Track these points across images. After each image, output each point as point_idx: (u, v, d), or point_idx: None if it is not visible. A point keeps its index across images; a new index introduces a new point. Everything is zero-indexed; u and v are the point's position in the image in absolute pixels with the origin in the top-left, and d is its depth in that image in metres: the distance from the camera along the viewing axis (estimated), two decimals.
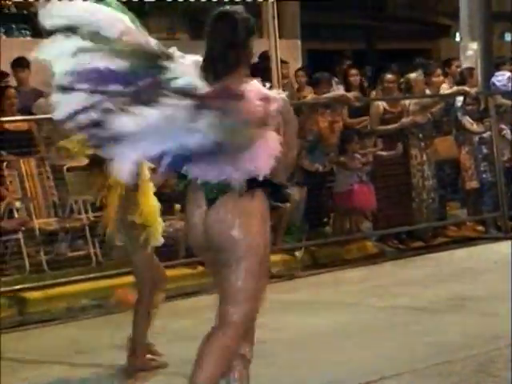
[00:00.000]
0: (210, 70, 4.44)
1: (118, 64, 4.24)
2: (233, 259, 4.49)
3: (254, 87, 4.47)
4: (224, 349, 4.50)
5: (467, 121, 12.22)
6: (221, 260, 4.54)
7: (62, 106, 4.28)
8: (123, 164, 4.25)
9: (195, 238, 4.65)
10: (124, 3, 15.07)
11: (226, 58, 4.53)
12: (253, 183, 4.48)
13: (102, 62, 4.24)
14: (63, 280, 9.24)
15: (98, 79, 4.23)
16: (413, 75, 12.01)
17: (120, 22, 4.43)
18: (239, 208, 4.50)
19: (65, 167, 10.49)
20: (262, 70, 12.00)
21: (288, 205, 9.72)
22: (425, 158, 11.64)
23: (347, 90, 12.37)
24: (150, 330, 6.54)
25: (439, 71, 12.70)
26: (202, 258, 5.03)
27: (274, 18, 11.10)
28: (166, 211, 7.75)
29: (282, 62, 12.00)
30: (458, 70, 13.88)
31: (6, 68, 11.69)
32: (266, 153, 4.45)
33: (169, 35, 16.75)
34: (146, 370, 6.41)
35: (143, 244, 6.34)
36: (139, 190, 6.30)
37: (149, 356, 6.47)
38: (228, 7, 4.72)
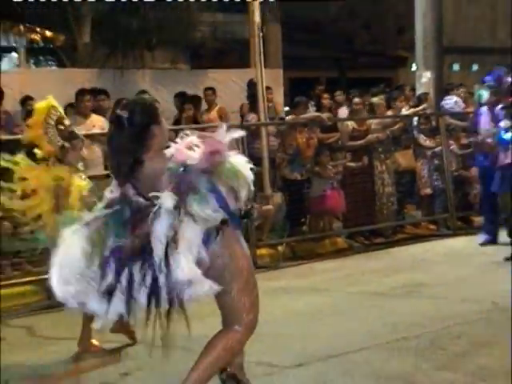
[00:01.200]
0: (118, 173, 4.34)
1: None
2: (224, 283, 4.33)
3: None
4: (228, 350, 4.43)
5: (421, 137, 12.30)
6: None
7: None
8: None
9: None
10: (133, 37, 14.83)
11: (123, 165, 4.27)
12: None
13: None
14: None
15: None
16: (375, 99, 12.10)
17: None
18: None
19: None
20: (250, 96, 12.11)
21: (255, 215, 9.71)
22: (384, 168, 11.70)
23: (319, 110, 12.48)
24: None
25: (402, 97, 12.85)
26: None
27: (260, 53, 11.13)
28: None
29: (267, 88, 12.04)
30: (412, 93, 14.04)
31: (35, 95, 11.61)
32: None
33: (172, 65, 16.78)
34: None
35: None
36: None
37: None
38: (125, 104, 4.37)
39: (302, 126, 11.49)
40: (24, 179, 6.36)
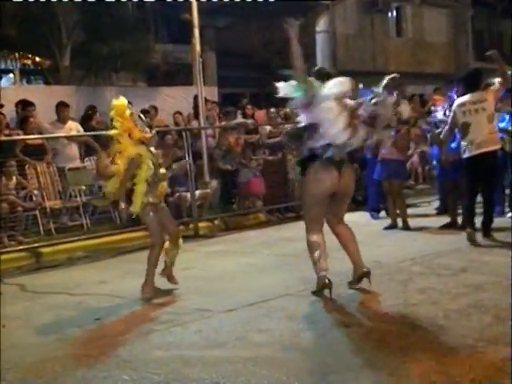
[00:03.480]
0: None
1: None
2: (348, 198, 6.03)
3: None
4: (352, 231, 6.17)
5: None
6: (344, 198, 5.94)
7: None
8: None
9: (326, 188, 5.73)
10: (103, 62, 14.48)
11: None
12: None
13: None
14: (65, 240, 9.07)
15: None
16: (288, 109, 12.03)
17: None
18: (354, 173, 6.01)
19: (66, 167, 10.30)
20: (195, 107, 12.00)
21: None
22: (294, 160, 11.68)
23: (244, 118, 12.49)
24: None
25: None
26: (322, 198, 5.82)
27: (200, 74, 11.03)
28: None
29: (206, 100, 11.95)
30: None
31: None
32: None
33: (133, 84, 16.71)
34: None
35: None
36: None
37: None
38: None
39: (231, 129, 11.44)
40: (119, 143, 6.19)
